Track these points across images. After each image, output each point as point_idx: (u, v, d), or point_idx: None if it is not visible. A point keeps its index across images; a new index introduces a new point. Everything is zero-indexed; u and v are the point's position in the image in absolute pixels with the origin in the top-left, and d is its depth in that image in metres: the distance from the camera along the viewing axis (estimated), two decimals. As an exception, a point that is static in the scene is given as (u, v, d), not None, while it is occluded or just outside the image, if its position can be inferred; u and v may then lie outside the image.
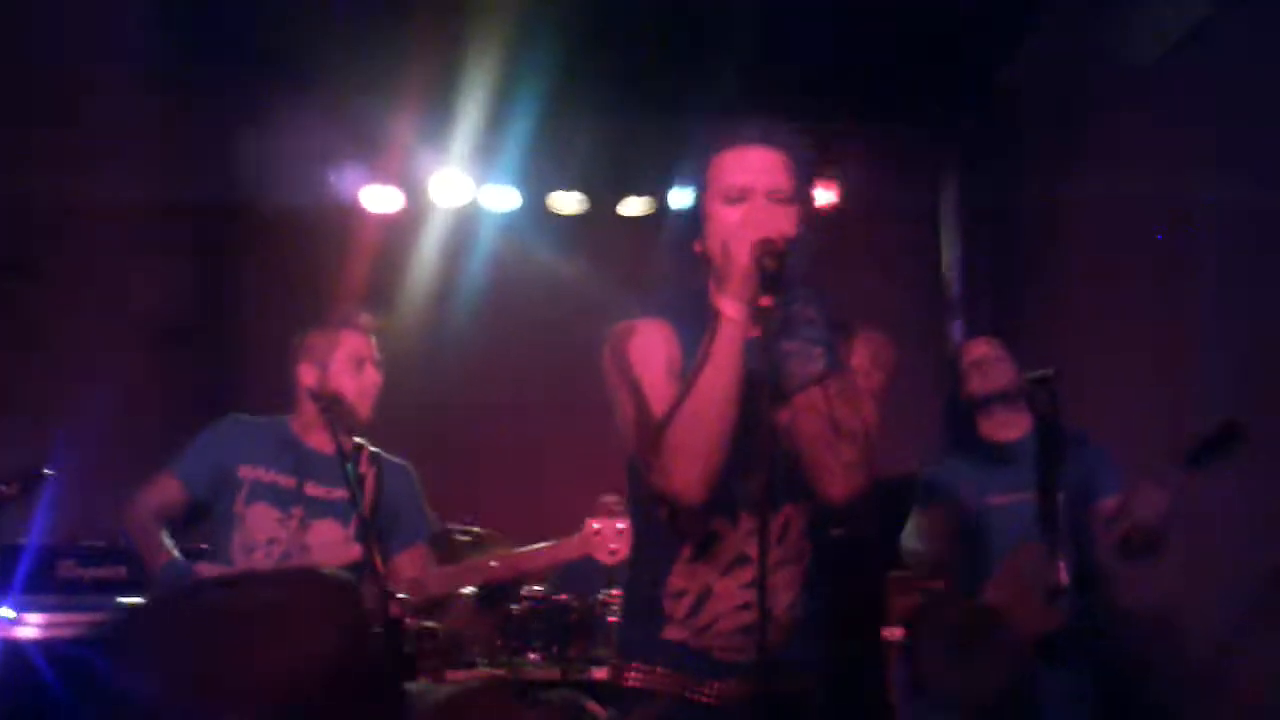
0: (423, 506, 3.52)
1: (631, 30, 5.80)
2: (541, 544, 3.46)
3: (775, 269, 2.05)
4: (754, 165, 2.22)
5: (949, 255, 6.85)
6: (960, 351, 3.89)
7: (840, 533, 2.26)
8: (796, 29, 5.61)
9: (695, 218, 2.28)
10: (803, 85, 5.61)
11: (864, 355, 2.25)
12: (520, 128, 6.21)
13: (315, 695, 2.66)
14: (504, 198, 6.61)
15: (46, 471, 3.06)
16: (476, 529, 4.69)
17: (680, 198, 7.00)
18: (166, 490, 3.31)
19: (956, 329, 6.61)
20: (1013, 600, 3.39)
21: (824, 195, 6.01)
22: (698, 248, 2.28)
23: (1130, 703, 3.48)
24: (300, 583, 2.95)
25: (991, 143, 6.57)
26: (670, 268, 2.36)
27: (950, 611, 3.54)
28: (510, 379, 6.66)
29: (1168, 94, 5.14)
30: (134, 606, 3.25)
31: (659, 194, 6.57)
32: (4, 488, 3.05)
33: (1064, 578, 3.28)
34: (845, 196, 6.21)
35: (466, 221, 6.71)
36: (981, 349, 3.79)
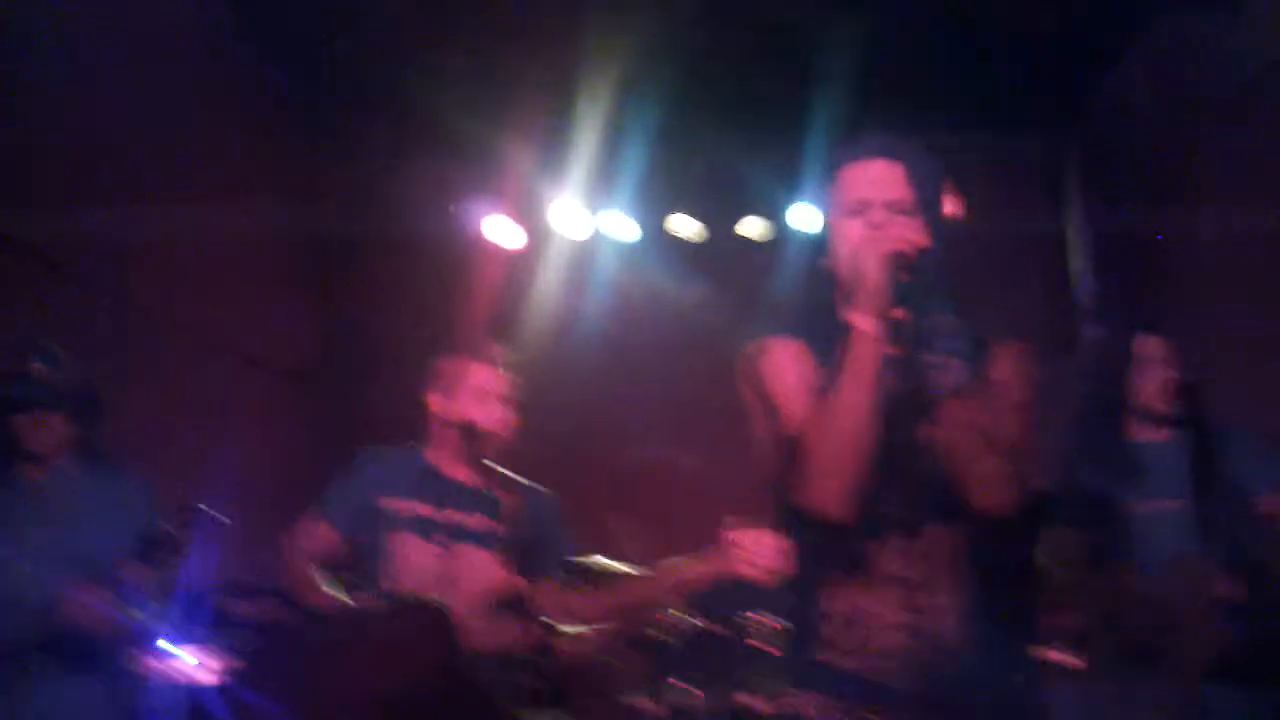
0: (563, 536, 3.51)
1: (744, 52, 5.82)
2: (679, 559, 3.42)
3: (908, 281, 2.04)
4: (873, 177, 2.22)
5: (1076, 267, 6.71)
6: (1124, 349, 3.59)
7: (990, 552, 2.21)
8: (914, 49, 5.58)
9: (821, 234, 2.27)
10: (921, 102, 5.56)
11: (1005, 367, 2.22)
12: (637, 154, 6.27)
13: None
14: (623, 225, 6.67)
15: (206, 511, 3.14)
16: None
17: (800, 216, 6.96)
18: (316, 534, 3.36)
19: (1085, 341, 6.46)
20: (1175, 620, 3.24)
21: (950, 208, 5.94)
22: (825, 264, 2.26)
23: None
24: (396, 615, 3.00)
25: (1113, 153, 6.45)
26: (799, 285, 2.36)
27: (1118, 635, 3.38)
28: (635, 404, 6.68)
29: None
30: (257, 643, 3.31)
31: (777, 215, 6.57)
32: (169, 529, 3.14)
33: (1229, 591, 3.15)
34: (968, 209, 6.12)
35: (587, 249, 6.78)
36: (1153, 347, 3.54)
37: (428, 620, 2.92)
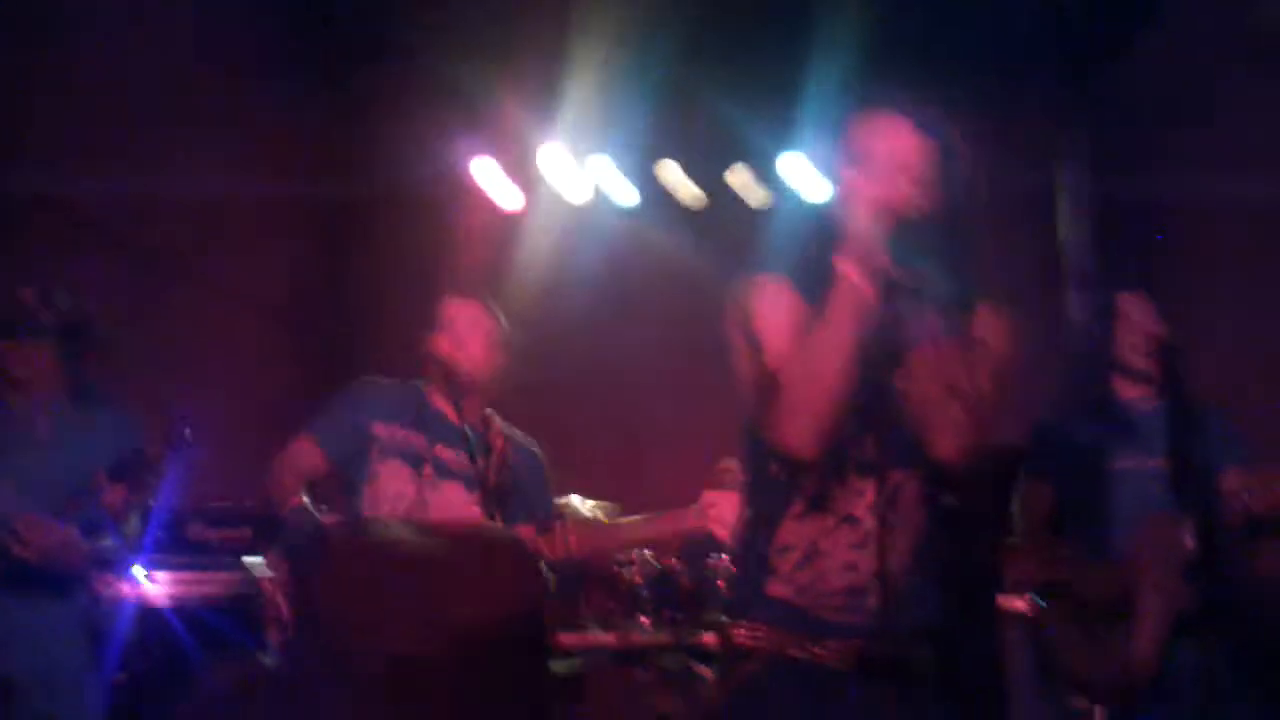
0: (546, 488, 3.57)
1: (742, 11, 5.80)
2: (656, 514, 3.48)
3: (896, 233, 2.06)
4: (881, 133, 2.25)
5: (1064, 231, 6.71)
6: (1108, 305, 3.64)
7: (952, 501, 2.25)
8: (911, 11, 5.56)
9: (820, 184, 2.30)
10: (916, 59, 5.54)
11: (984, 324, 2.25)
12: (633, 109, 6.25)
13: (490, 645, 2.73)
14: (610, 172, 6.64)
15: (187, 434, 3.16)
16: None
17: (790, 166, 6.87)
18: (305, 453, 3.37)
19: (1071, 304, 6.49)
20: (1146, 575, 3.28)
21: (960, 169, 5.93)
22: (827, 214, 2.28)
23: (1270, 680, 3.31)
24: (491, 540, 3.03)
25: (1113, 114, 6.43)
26: (797, 233, 2.38)
27: (1084, 590, 3.40)
28: (622, 360, 6.70)
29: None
30: (312, 537, 3.31)
31: (767, 165, 6.53)
32: (149, 452, 3.17)
33: (1195, 551, 3.19)
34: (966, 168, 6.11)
35: (575, 196, 6.76)
36: (1135, 303, 3.59)
37: (517, 552, 2.96)
